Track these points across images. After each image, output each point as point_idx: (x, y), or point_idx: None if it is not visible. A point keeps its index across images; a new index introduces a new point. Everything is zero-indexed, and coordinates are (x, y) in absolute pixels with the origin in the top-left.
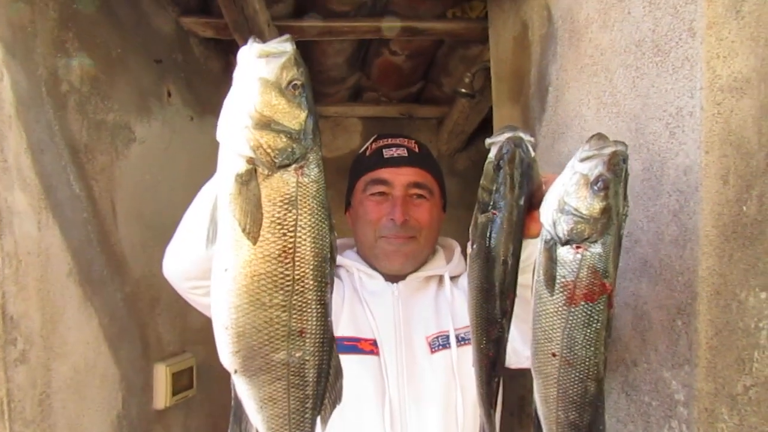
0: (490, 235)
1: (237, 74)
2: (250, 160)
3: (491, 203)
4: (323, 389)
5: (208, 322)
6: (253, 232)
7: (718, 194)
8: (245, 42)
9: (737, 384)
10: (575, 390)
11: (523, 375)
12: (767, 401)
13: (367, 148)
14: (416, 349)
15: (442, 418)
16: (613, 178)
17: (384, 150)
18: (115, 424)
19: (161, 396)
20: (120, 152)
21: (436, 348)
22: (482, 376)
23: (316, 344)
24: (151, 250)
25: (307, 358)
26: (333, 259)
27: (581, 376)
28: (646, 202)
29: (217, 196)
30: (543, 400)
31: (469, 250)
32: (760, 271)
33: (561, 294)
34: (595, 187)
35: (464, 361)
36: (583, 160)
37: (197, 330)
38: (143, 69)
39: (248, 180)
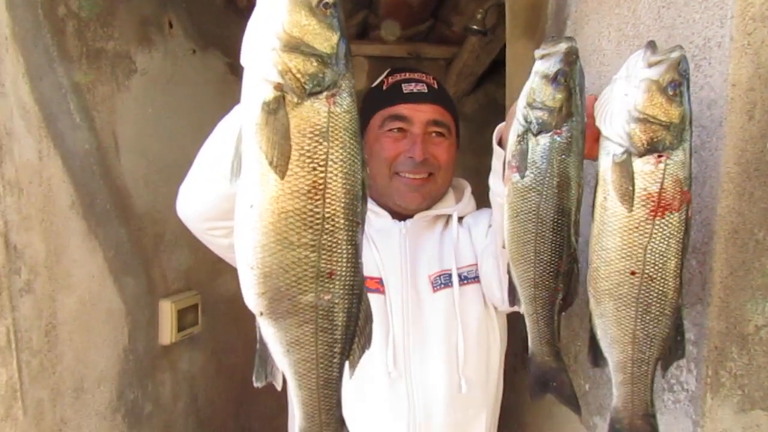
0: (556, 157)
1: None
2: (278, 86)
3: (551, 122)
4: (352, 333)
5: (213, 260)
6: (280, 166)
7: (743, 130)
8: None
9: (749, 324)
10: (657, 305)
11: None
12: None
13: (383, 81)
14: (420, 287)
15: (444, 357)
16: (684, 82)
17: (403, 85)
18: (121, 357)
19: (167, 332)
20: (121, 83)
21: (438, 287)
22: (545, 313)
23: (346, 287)
24: (154, 186)
25: (337, 301)
26: (365, 197)
27: (663, 289)
28: None
29: (242, 126)
30: (615, 322)
31: (513, 179)
32: None
33: (642, 208)
34: (670, 92)
35: (465, 299)
36: (651, 65)
37: (202, 268)
38: None
39: (276, 108)
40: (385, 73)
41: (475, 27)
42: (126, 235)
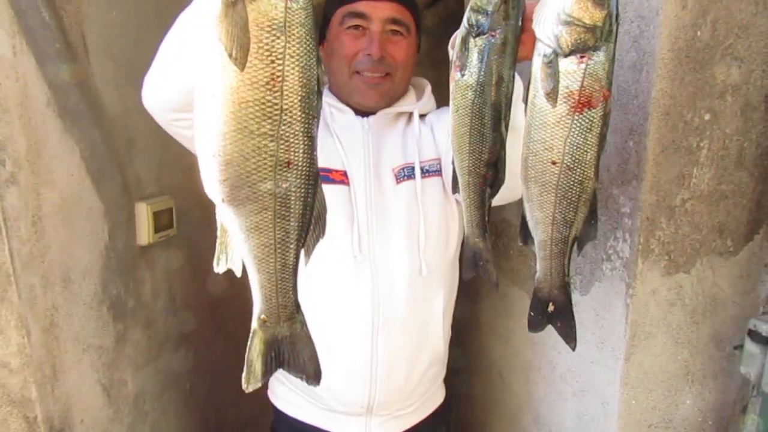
0: (490, 57)
1: None
2: None
3: (487, 26)
4: (308, 223)
5: (185, 168)
6: (240, 58)
7: (677, 18)
8: None
9: (676, 197)
10: (574, 192)
11: None
12: (700, 213)
13: None
14: (383, 179)
15: (405, 239)
16: None
17: None
18: (103, 254)
19: (144, 233)
20: None
21: (402, 178)
22: (476, 198)
23: (303, 176)
24: (123, 90)
25: (293, 189)
26: (320, 92)
27: (580, 178)
28: None
29: (203, 20)
30: (539, 206)
31: (456, 77)
32: (707, 94)
33: (564, 104)
34: None
35: (427, 190)
36: None
37: (175, 174)
38: None
39: (234, 1)
40: None
41: None
42: (100, 137)
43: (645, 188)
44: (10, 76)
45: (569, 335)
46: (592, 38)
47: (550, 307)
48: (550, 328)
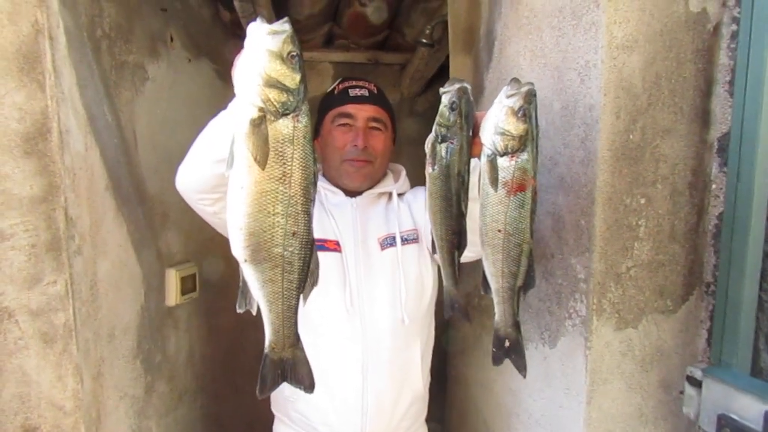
0: (450, 158)
1: (248, 44)
2: (261, 109)
3: (448, 135)
4: (305, 276)
5: (207, 237)
6: (262, 161)
7: (612, 126)
8: None
9: (621, 265)
10: (515, 251)
11: None
12: (642, 278)
13: (334, 87)
14: (370, 247)
15: (389, 295)
16: (530, 107)
17: (350, 90)
18: (139, 314)
19: (172, 295)
20: (138, 89)
21: (385, 246)
22: (448, 258)
23: (303, 242)
24: (161, 174)
25: (296, 252)
26: (315, 183)
27: (518, 241)
28: (563, 132)
29: (235, 134)
30: (491, 263)
31: (429, 171)
32: (641, 183)
33: (503, 189)
34: (519, 114)
35: (406, 254)
36: (508, 96)
37: (198, 244)
38: (153, 16)
39: (260, 123)
40: (338, 81)
41: (424, 40)
42: (142, 214)
43: (595, 259)
44: (82, 167)
45: (521, 366)
46: (518, 143)
47: (506, 343)
48: (527, 383)
